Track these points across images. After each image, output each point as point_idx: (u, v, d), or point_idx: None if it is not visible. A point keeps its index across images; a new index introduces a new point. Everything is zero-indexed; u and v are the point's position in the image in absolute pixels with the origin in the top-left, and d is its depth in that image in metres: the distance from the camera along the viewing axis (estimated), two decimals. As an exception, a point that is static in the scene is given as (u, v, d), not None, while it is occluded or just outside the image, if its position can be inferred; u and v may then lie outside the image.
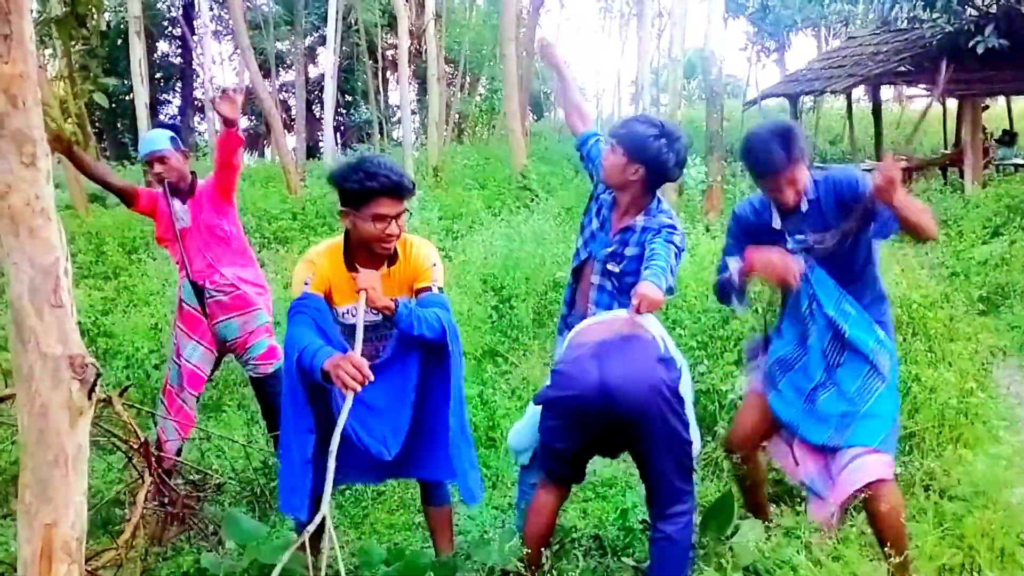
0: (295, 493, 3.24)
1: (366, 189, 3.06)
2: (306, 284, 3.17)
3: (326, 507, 2.48)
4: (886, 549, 3.11)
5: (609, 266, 3.66)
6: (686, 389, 3.24)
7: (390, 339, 3.33)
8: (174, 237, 4.59)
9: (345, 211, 3.15)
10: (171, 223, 4.59)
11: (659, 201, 3.69)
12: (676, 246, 3.54)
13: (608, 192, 3.77)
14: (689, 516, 3.22)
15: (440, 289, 3.32)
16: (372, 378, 2.84)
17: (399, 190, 3.10)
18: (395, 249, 3.29)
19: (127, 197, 4.66)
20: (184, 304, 4.65)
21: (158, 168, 4.53)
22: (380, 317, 3.22)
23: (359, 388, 2.81)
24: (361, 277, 3.12)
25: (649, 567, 3.30)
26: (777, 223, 3.47)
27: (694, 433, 3.26)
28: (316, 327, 3.12)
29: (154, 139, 4.58)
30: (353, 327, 3.11)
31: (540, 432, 3.32)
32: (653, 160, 3.54)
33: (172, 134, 4.59)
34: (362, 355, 2.95)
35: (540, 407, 3.29)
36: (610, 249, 3.67)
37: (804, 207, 3.39)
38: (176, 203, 4.59)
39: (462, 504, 4.35)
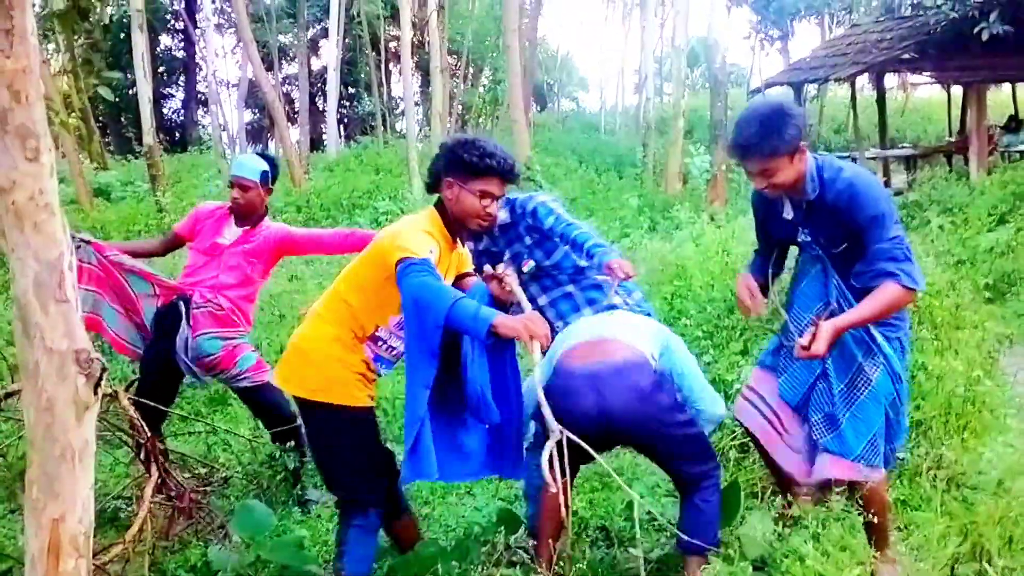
0: (417, 455, 3.06)
1: (484, 165, 3.12)
2: (431, 252, 3.02)
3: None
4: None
5: (525, 269, 3.76)
6: (683, 365, 3.39)
7: None
8: (203, 251, 4.52)
9: (451, 181, 3.17)
10: (213, 236, 4.53)
11: None
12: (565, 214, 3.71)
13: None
14: (714, 486, 3.32)
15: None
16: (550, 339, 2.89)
17: (511, 174, 3.19)
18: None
19: (177, 244, 4.70)
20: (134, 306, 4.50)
21: (236, 193, 4.47)
22: None
23: (546, 343, 2.84)
24: (501, 266, 3.17)
25: (679, 529, 3.29)
26: (788, 214, 3.31)
27: (711, 398, 3.46)
28: None
29: (246, 166, 4.50)
30: None
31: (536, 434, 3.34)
32: None
33: (266, 168, 4.51)
34: None
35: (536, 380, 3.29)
36: (508, 255, 3.82)
37: (805, 205, 3.23)
38: (232, 225, 4.54)
39: (468, 496, 4.37)
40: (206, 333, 4.42)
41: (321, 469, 3.49)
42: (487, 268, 3.29)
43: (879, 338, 3.23)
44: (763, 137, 3.05)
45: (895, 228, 3.11)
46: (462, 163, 3.13)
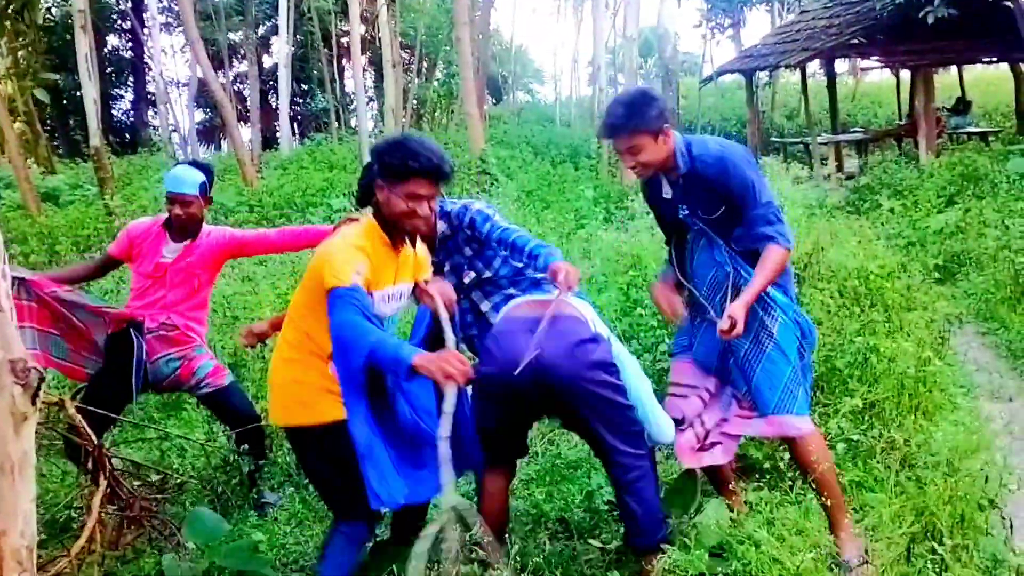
0: (388, 481, 3.04)
1: (407, 167, 3.04)
2: (357, 275, 2.97)
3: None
4: (823, 499, 3.30)
5: (467, 280, 3.74)
6: (622, 358, 3.32)
7: None
8: (148, 274, 4.37)
9: (380, 185, 3.11)
10: (155, 257, 4.37)
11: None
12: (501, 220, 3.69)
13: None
14: (647, 479, 3.28)
15: None
16: (472, 375, 2.78)
17: (438, 174, 3.09)
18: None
19: (112, 266, 4.57)
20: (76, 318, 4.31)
21: (179, 210, 4.29)
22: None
23: (464, 383, 2.78)
24: (434, 287, 3.06)
25: (625, 536, 3.33)
26: (667, 193, 3.53)
27: (660, 422, 3.36)
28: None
29: (183, 180, 4.30)
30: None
31: (474, 415, 3.32)
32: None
33: (203, 178, 4.34)
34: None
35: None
36: (448, 267, 3.77)
37: (680, 180, 3.45)
38: (170, 241, 4.38)
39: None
40: (162, 356, 4.32)
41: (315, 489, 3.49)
42: (420, 283, 3.29)
43: (771, 290, 3.43)
44: (628, 117, 3.31)
45: (766, 193, 3.39)
46: (386, 166, 3.08)
